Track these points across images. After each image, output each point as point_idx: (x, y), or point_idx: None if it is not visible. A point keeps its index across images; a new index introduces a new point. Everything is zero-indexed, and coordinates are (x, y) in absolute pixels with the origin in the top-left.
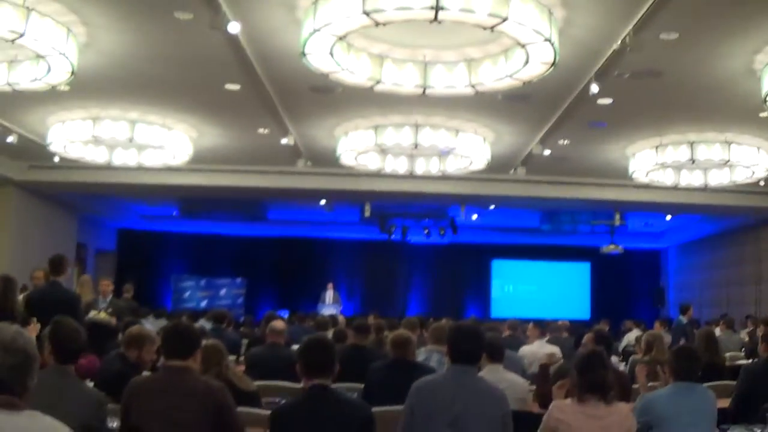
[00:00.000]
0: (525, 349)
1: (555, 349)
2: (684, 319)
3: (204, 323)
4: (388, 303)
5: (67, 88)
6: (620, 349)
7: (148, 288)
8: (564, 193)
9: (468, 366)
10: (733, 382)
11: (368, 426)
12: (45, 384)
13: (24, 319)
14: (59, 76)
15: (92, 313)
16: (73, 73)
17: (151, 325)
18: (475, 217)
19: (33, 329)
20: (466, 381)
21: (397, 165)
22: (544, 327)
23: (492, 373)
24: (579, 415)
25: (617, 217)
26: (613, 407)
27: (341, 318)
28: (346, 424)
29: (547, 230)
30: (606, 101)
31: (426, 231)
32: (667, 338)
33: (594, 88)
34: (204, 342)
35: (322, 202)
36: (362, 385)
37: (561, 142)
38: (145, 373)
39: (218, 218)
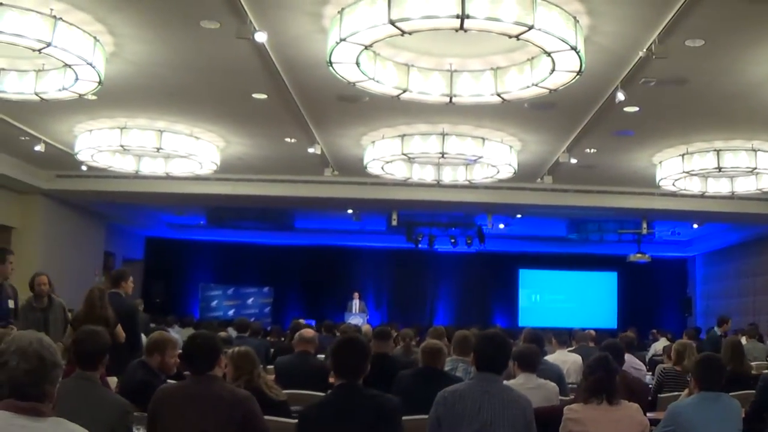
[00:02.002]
0: (548, 359)
1: (577, 358)
2: (718, 332)
3: (231, 332)
4: (415, 312)
5: (94, 97)
6: (647, 358)
7: (176, 297)
8: (591, 201)
9: (493, 374)
10: None
11: (393, 416)
12: (69, 391)
13: (114, 322)
14: (86, 86)
15: None
16: (100, 82)
17: (177, 335)
18: (502, 226)
19: (120, 332)
20: (492, 389)
21: (424, 174)
22: (567, 336)
23: (524, 379)
24: (589, 412)
25: (644, 225)
26: (620, 405)
27: (367, 327)
28: (372, 416)
29: (574, 239)
30: (632, 109)
31: (453, 240)
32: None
33: (620, 96)
34: (236, 349)
35: (350, 211)
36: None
37: (588, 150)
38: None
39: (245, 227)
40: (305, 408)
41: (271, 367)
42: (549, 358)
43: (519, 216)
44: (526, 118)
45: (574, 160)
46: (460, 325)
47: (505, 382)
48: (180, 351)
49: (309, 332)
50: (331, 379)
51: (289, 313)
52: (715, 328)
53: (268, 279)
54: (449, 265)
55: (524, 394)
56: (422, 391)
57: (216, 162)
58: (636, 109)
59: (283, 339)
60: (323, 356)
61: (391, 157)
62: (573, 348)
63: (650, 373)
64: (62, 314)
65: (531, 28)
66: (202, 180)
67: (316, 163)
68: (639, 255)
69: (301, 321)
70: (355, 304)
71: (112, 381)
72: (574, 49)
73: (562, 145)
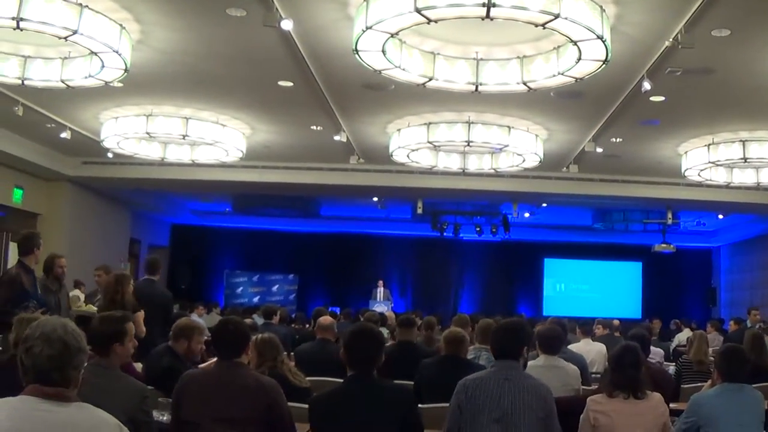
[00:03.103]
0: (572, 348)
1: (601, 347)
2: (749, 322)
3: (257, 318)
4: (439, 300)
5: (120, 84)
6: (671, 349)
7: (201, 283)
8: (616, 191)
9: (512, 361)
10: None
11: (410, 409)
12: (85, 378)
13: (135, 308)
14: (112, 73)
15: (79, 305)
16: (126, 70)
17: (202, 321)
18: (527, 215)
19: (140, 316)
20: (512, 376)
21: (450, 162)
22: (591, 326)
23: (544, 360)
24: (614, 404)
25: (669, 215)
26: (645, 397)
27: (390, 314)
28: (388, 409)
29: (599, 229)
30: (658, 99)
31: (478, 229)
32: (719, 339)
33: (646, 86)
34: (260, 336)
35: (375, 198)
36: (411, 382)
37: (613, 139)
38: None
39: (271, 214)
40: (316, 396)
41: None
42: (573, 347)
43: (544, 205)
44: (552, 107)
45: (599, 150)
46: (484, 314)
47: (530, 362)
48: (206, 337)
49: (327, 319)
50: None
51: (314, 301)
52: (747, 321)
53: (293, 266)
54: (474, 254)
55: (544, 375)
56: (445, 379)
57: (242, 149)
58: (662, 98)
59: (307, 326)
60: None
61: (417, 145)
62: (597, 336)
63: (674, 364)
64: (67, 300)
65: (557, 16)
66: (227, 167)
67: (341, 150)
68: (664, 245)
69: (324, 309)
70: (380, 291)
71: (138, 367)
72: (600, 38)
73: (588, 134)
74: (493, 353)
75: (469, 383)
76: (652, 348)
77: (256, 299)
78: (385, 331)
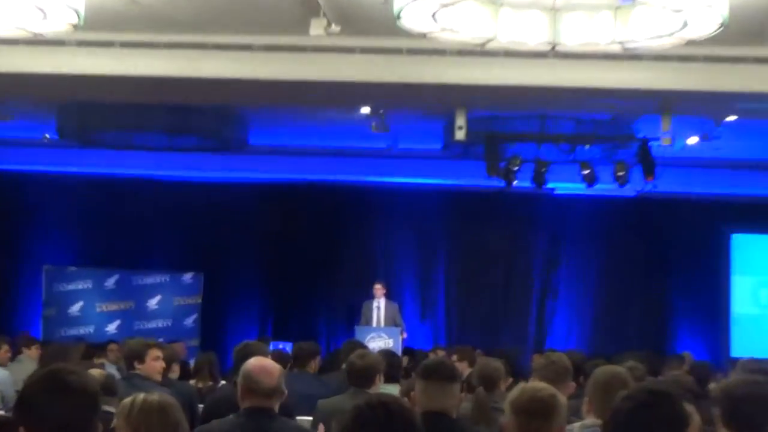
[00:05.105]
0: None
1: None
2: None
3: (109, 367)
4: (507, 323)
5: None
6: None
7: None
8: None
9: None
10: None
11: None
12: None
13: None
14: None
15: None
16: None
17: (6, 373)
18: (693, 141)
19: None
20: None
21: (521, 31)
22: None
23: None
24: None
25: None
26: None
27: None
28: None
29: None
30: None
31: (587, 172)
32: None
33: None
34: (140, 399)
35: (364, 110)
36: None
37: None
38: None
39: (141, 146)
40: None
41: None
42: None
43: (731, 119)
44: None
45: None
46: (601, 354)
47: None
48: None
49: (265, 371)
50: None
51: (237, 328)
52: None
53: (192, 255)
54: (579, 225)
55: None
56: None
57: (78, 8)
58: None
59: (223, 382)
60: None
61: None
62: None
63: None
64: None
65: None
66: (47, 45)
67: (294, 10)
68: None
69: (260, 343)
70: (378, 307)
71: None
72: None
73: None
74: None
75: None
76: None
77: (112, 326)
78: (394, 389)
